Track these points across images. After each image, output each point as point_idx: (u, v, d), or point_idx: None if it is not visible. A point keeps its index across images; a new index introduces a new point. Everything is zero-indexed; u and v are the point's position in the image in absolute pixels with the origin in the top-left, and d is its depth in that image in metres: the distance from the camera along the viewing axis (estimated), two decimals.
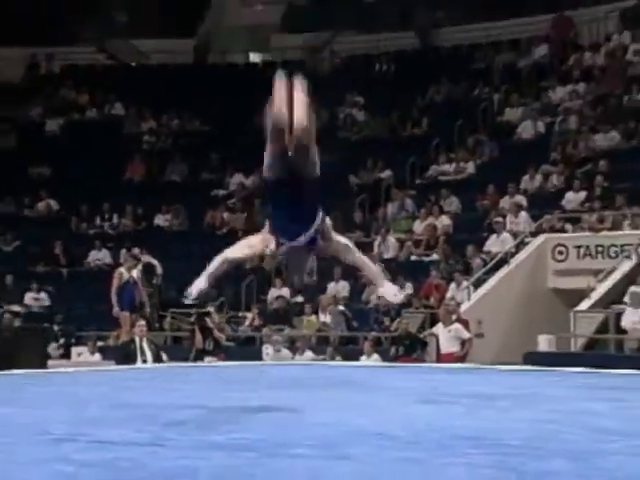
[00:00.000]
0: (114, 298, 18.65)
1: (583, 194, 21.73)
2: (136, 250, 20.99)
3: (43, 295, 23.70)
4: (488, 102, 26.03)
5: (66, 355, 20.60)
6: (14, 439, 6.13)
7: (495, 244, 21.24)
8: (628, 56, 24.78)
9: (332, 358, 19.03)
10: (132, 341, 18.24)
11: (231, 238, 24.56)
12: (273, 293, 22.26)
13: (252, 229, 24.26)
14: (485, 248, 21.31)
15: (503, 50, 27.21)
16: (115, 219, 26.06)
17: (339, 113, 27.46)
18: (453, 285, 20.38)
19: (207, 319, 20.93)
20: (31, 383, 12.32)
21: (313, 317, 21.35)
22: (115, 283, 18.72)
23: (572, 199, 21.75)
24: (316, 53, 29.07)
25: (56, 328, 21.59)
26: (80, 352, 20.74)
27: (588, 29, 26.13)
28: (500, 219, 21.79)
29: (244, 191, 26.29)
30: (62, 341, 21.05)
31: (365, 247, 23.37)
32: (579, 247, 20.26)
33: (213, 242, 24.83)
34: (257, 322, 21.58)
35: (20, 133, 28.73)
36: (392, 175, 25.04)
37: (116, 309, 18.63)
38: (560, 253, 20.41)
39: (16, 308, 23.02)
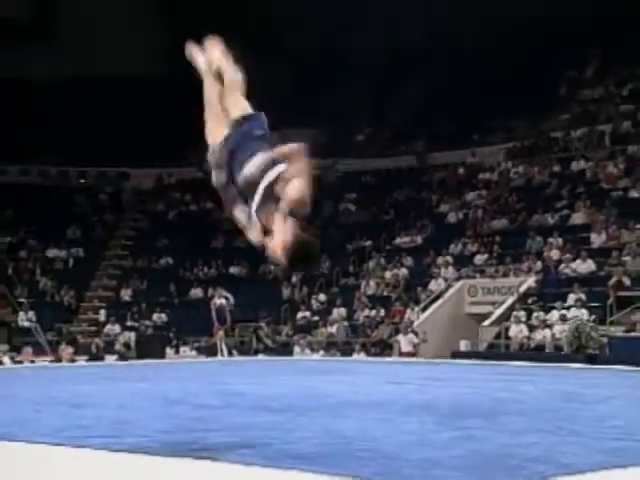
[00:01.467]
0: (214, 317, 18.62)
1: (486, 256, 21.65)
2: (218, 288, 20.90)
3: (163, 315, 23.61)
4: (429, 201, 25.99)
5: (177, 352, 20.55)
6: (147, 403, 6.16)
7: (434, 285, 21.13)
8: (510, 175, 24.78)
9: (335, 355, 18.96)
10: (215, 343, 18.23)
11: (276, 282, 24.75)
12: (300, 314, 22.21)
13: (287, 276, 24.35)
14: (428, 288, 21.21)
15: (438, 170, 27.14)
16: (206, 269, 26.06)
17: (340, 207, 27.45)
18: (409, 310, 20.30)
19: (259, 330, 20.91)
20: (156, 368, 12.35)
21: (324, 329, 21.26)
22: (213, 308, 18.71)
23: (480, 259, 21.67)
24: (326, 170, 29.08)
25: (171, 335, 21.54)
26: (185, 350, 20.69)
27: (488, 158, 26.13)
28: (437, 270, 21.74)
29: None
30: (174, 343, 20.99)
31: (355, 287, 23.33)
32: (484, 288, 20.14)
33: (264, 284, 24.79)
34: (290, 332, 21.52)
35: (157, 220, 28.62)
36: (372, 244, 24.96)
37: (216, 324, 18.59)
38: (473, 291, 20.33)
39: (148, 323, 23.06)
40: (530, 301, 18.60)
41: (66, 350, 16.72)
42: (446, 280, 21.07)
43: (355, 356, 18.24)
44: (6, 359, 14.32)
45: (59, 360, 15.94)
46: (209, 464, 3.49)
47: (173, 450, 3.83)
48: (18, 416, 5.43)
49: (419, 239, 24.26)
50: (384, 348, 19.24)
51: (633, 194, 21.10)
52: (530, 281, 19.37)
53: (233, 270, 25.93)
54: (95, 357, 17.96)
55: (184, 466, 3.49)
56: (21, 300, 20.03)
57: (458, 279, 20.91)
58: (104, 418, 5.23)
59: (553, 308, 17.72)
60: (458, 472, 3.27)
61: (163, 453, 3.74)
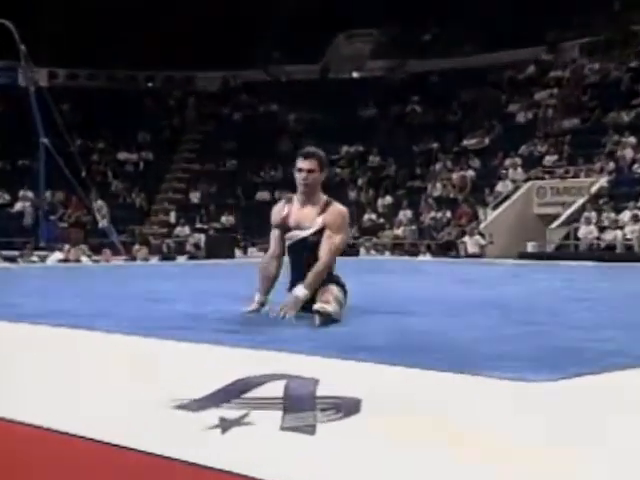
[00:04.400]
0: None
1: (556, 156, 21.27)
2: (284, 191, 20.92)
3: (231, 218, 23.91)
4: (497, 100, 25.40)
5: (245, 252, 20.82)
6: (216, 299, 6.22)
7: (501, 187, 20.92)
8: (585, 71, 24.05)
9: (401, 255, 18.99)
10: None
11: (342, 184, 24.59)
12: (366, 216, 22.21)
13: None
14: (496, 189, 20.99)
15: (508, 69, 26.21)
16: (272, 172, 26.10)
17: (407, 108, 26.96)
18: (481, 211, 20.25)
19: None
20: (224, 267, 12.53)
21: (390, 231, 21.25)
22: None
23: (549, 159, 21.31)
24: (391, 72, 28.54)
25: (238, 237, 21.80)
26: (252, 251, 20.95)
27: (561, 55, 25.32)
28: (504, 171, 21.46)
29: (348, 156, 26.08)
30: (242, 244, 21.26)
31: (421, 190, 23.11)
32: (552, 188, 19.89)
33: (331, 186, 24.55)
34: (356, 234, 21.55)
35: (223, 123, 28.52)
36: (438, 145, 24.63)
37: None
38: (541, 192, 20.05)
39: (217, 225, 23.33)
40: (601, 202, 18.29)
41: (141, 250, 17.03)
42: (514, 182, 20.81)
43: (421, 257, 18.26)
44: (84, 258, 14.67)
45: (133, 259, 16.30)
46: (273, 354, 3.50)
47: (240, 342, 3.86)
48: (100, 309, 5.58)
49: (487, 140, 23.87)
50: (450, 249, 19.20)
51: None
52: (602, 181, 19.04)
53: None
54: (167, 257, 18.31)
55: (250, 355, 3.51)
56: (95, 202, 20.36)
57: (526, 180, 20.65)
58: (177, 311, 5.31)
59: (625, 208, 17.45)
60: (534, 363, 3.21)
61: (232, 344, 3.77)
